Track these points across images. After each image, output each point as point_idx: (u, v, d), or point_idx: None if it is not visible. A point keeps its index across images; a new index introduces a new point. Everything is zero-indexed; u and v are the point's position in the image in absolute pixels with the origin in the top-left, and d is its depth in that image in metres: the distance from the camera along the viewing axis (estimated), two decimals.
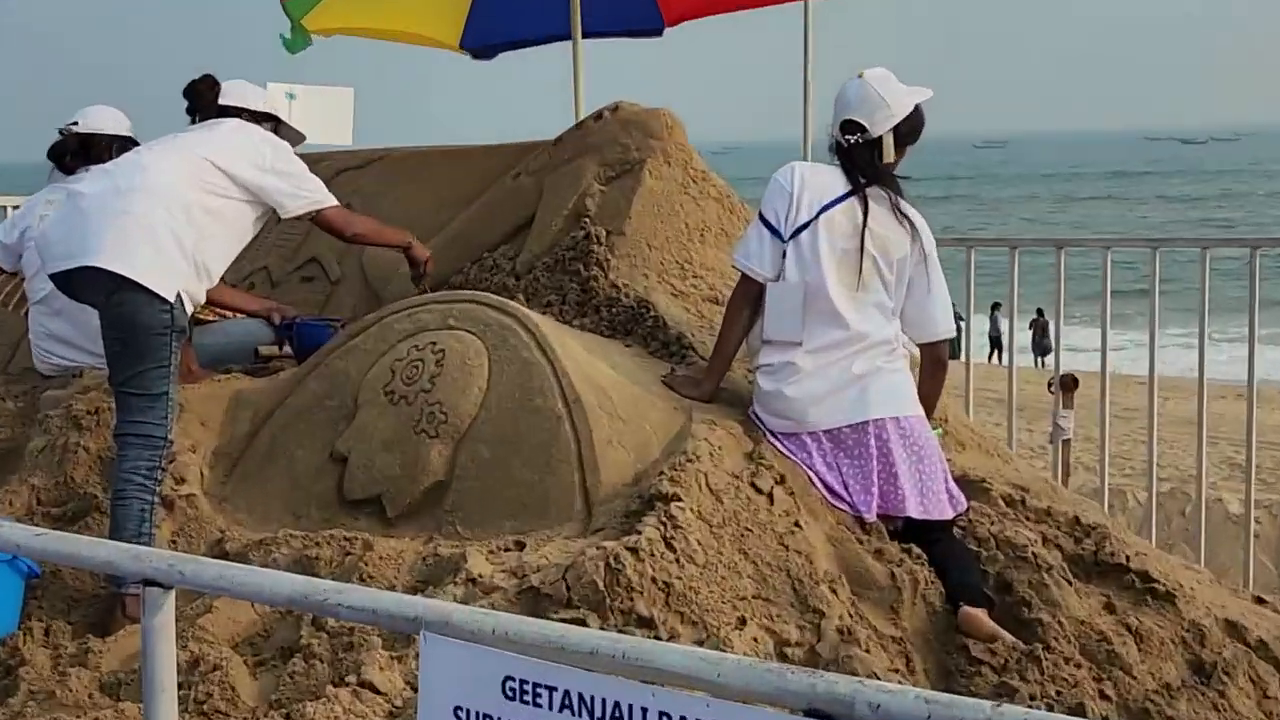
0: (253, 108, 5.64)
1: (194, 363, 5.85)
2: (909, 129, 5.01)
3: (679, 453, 4.63)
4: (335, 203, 5.55)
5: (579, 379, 4.81)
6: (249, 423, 5.45)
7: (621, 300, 5.69)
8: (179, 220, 5.02)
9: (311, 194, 5.43)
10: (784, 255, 4.89)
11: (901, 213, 4.93)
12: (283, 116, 5.87)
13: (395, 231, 5.92)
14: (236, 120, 5.48)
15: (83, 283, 4.98)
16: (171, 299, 4.93)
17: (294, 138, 5.85)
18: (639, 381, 5.10)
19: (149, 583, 2.61)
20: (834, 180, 4.95)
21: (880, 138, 4.93)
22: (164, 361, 4.94)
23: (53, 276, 5.09)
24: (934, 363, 5.11)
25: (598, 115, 6.40)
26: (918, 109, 5.02)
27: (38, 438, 5.57)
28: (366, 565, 4.52)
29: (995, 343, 26.92)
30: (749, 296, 5.01)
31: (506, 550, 4.46)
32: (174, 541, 5.02)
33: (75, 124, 6.18)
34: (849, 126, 4.95)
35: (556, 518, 4.59)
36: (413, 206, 6.67)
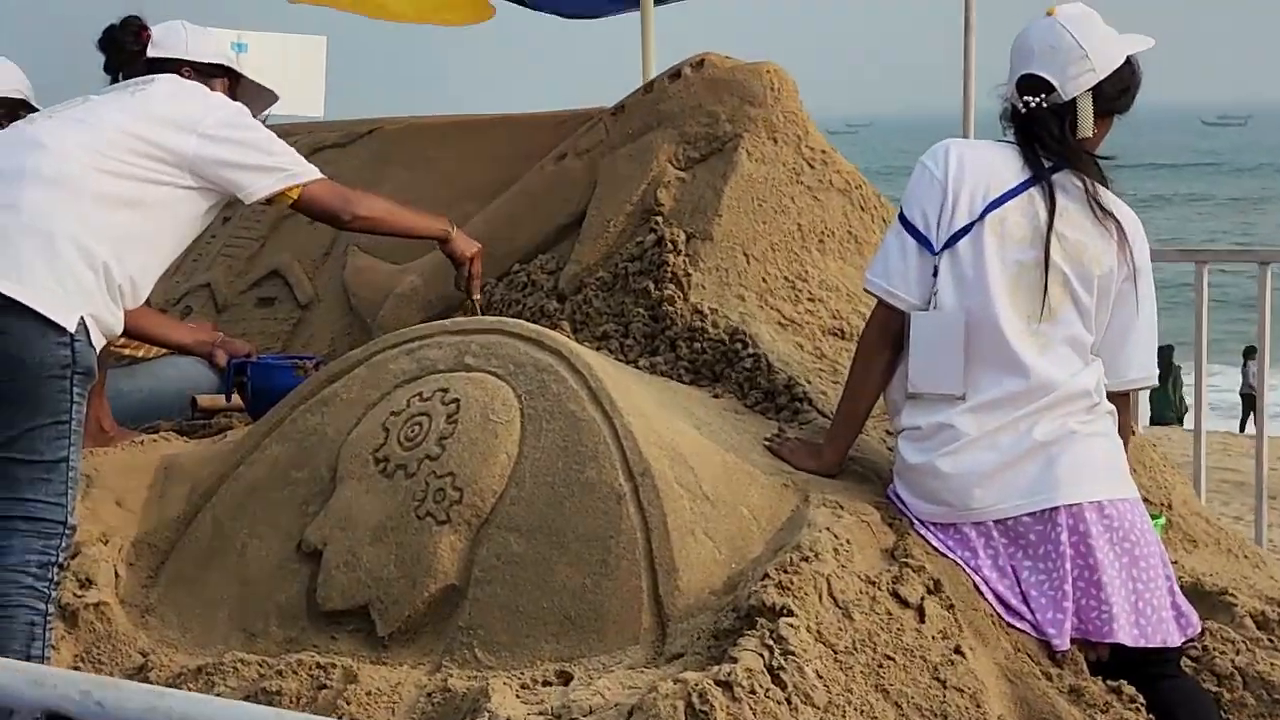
0: (197, 59, 5.66)
1: (107, 418, 5.89)
2: (1117, 91, 4.98)
3: (791, 548, 4.61)
4: (320, 175, 5.54)
5: (648, 443, 4.80)
6: (184, 503, 5.46)
7: (708, 331, 5.71)
8: (87, 218, 5.01)
9: (285, 165, 5.43)
10: (935, 273, 4.88)
11: (1103, 208, 4.90)
12: (245, 70, 5.89)
13: (422, 215, 5.89)
14: (172, 77, 5.50)
15: None
16: (72, 328, 4.89)
17: (260, 99, 5.87)
18: (732, 446, 5.09)
19: (53, 717, 2.61)
20: (1005, 163, 4.93)
21: (1074, 101, 4.91)
22: (62, 415, 4.90)
23: None
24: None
25: (675, 73, 6.44)
26: (1130, 63, 4.98)
27: None
28: (349, 704, 4.49)
29: (1250, 402, 26.15)
30: (889, 332, 4.98)
31: (545, 684, 4.43)
32: (77, 668, 4.99)
33: None
34: (1031, 84, 4.93)
35: (616, 638, 4.56)
36: (412, 199, 6.72)
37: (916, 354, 4.87)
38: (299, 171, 5.43)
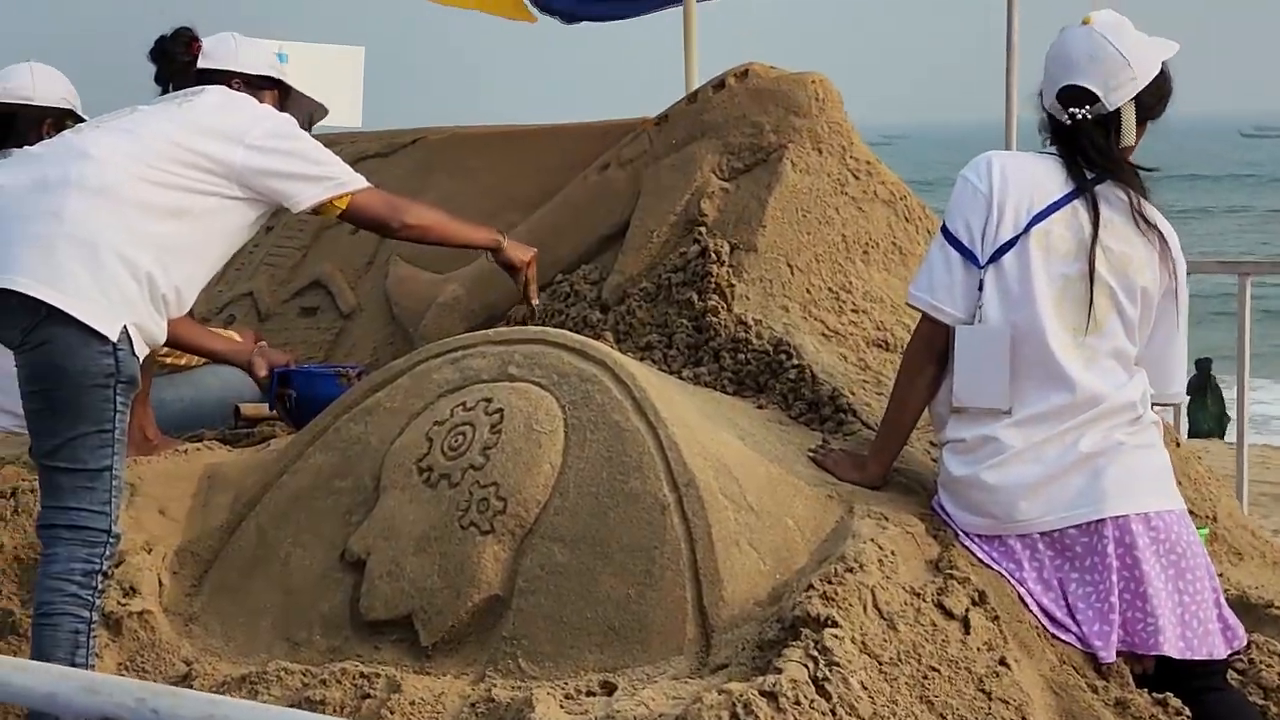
0: (246, 71, 5.68)
1: (151, 426, 5.91)
2: (1155, 99, 4.96)
3: (835, 559, 4.60)
4: (367, 184, 5.53)
5: (693, 453, 4.79)
6: (227, 511, 5.46)
7: (752, 342, 5.70)
8: (131, 228, 5.00)
9: (332, 174, 5.42)
10: (980, 287, 4.86)
11: (1147, 220, 4.88)
12: (292, 82, 5.88)
13: (471, 225, 5.88)
14: (220, 88, 5.50)
15: None
16: (114, 337, 4.89)
17: (310, 111, 5.89)
18: (777, 458, 5.08)
19: None
20: (1048, 175, 4.90)
21: (1118, 111, 4.89)
22: (105, 424, 4.89)
23: None
24: None
25: (719, 83, 6.42)
26: (1164, 70, 4.98)
27: None
28: (392, 713, 4.49)
29: None
30: (933, 347, 4.96)
31: (589, 694, 4.43)
32: (121, 676, 4.89)
33: None
34: (1074, 95, 4.89)
35: (660, 649, 4.56)
36: (454, 209, 6.70)
37: (961, 368, 4.84)
38: (347, 180, 5.42)
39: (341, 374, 6.06)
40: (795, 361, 5.59)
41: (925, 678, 4.41)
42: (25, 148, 5.51)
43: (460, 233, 5.82)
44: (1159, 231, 4.85)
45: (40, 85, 6.19)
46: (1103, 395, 4.76)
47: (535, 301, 5.96)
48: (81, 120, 5.96)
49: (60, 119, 6.06)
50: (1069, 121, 4.88)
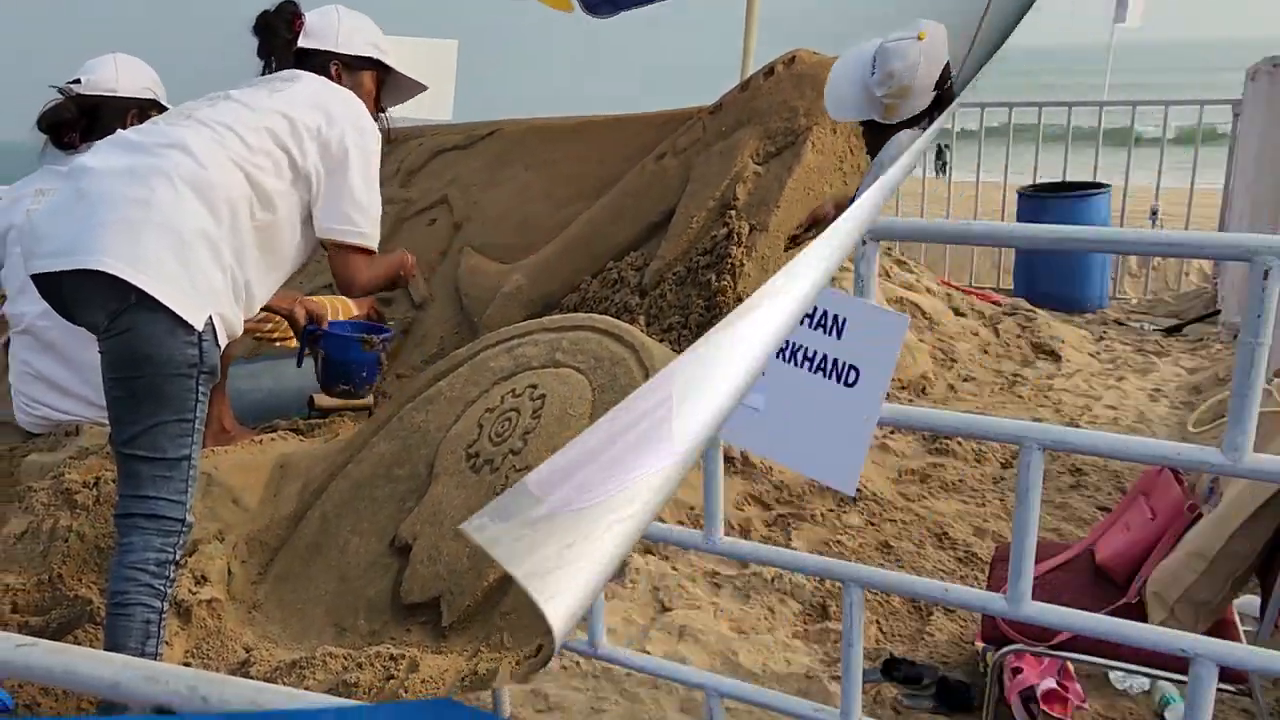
0: (346, 51, 5.52)
1: (228, 417, 6.00)
2: None
3: None
4: (373, 246, 5.37)
5: None
6: (296, 500, 5.58)
7: None
8: (220, 219, 4.93)
9: (357, 225, 5.29)
10: None
11: None
12: (392, 63, 5.65)
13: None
14: (319, 80, 5.37)
15: (76, 294, 4.80)
16: (200, 326, 4.79)
17: (407, 90, 5.73)
18: None
19: (160, 711, 2.71)
20: None
21: None
22: (186, 413, 4.82)
23: (36, 280, 4.84)
24: None
25: (769, 70, 6.51)
26: None
27: (15, 519, 5.63)
28: (406, 693, 4.56)
29: None
30: None
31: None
32: (187, 663, 5.04)
33: (78, 81, 6.14)
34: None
35: None
36: (528, 200, 6.87)
37: None
38: (366, 234, 5.29)
39: (365, 340, 6.09)
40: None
41: None
42: (116, 136, 5.25)
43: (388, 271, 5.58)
44: None
45: (124, 76, 6.16)
46: None
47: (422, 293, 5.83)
48: (165, 109, 5.97)
49: (145, 109, 6.06)
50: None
